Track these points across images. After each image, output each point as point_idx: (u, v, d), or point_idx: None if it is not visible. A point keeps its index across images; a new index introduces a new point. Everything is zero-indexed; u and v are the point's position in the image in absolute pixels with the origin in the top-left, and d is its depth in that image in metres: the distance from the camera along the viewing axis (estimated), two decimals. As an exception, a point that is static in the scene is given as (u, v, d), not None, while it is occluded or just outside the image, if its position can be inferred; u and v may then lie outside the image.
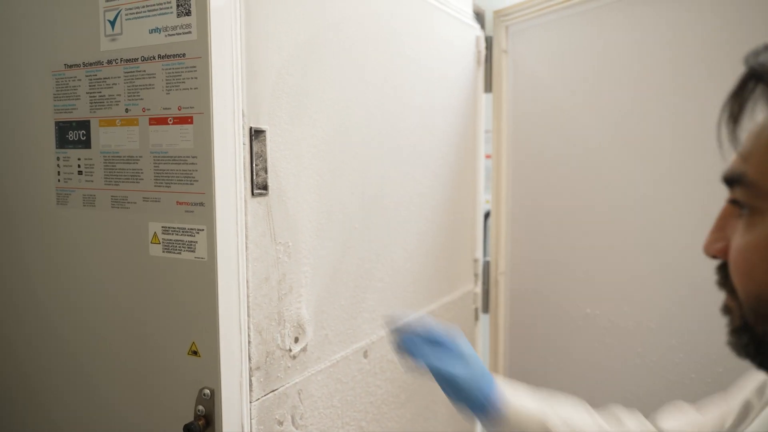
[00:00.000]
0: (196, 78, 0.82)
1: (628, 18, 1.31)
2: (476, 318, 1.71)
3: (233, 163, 0.85)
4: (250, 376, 0.90)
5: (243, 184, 0.87)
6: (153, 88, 0.86)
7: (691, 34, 1.21)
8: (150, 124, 0.87)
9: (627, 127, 1.35)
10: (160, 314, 0.88)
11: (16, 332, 1.03)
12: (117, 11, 0.88)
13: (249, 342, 0.89)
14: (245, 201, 0.87)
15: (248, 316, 0.89)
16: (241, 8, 0.84)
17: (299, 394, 1.01)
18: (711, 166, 0.68)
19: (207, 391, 0.85)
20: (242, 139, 0.86)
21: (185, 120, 0.84)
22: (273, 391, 0.95)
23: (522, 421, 0.80)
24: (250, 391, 0.90)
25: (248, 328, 0.89)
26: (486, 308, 1.74)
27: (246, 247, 0.88)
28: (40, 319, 1.00)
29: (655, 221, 1.32)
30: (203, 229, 0.84)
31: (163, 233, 0.87)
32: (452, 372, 0.82)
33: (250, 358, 0.89)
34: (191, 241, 0.85)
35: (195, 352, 0.86)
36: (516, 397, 0.82)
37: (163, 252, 0.87)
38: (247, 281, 0.88)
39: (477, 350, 1.62)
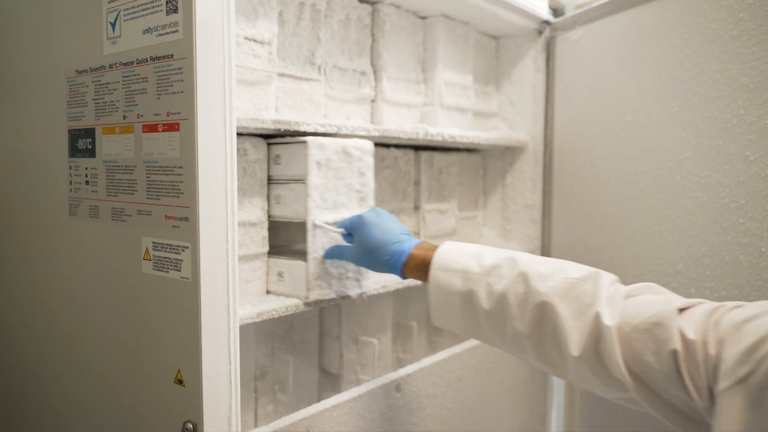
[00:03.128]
0: (182, 81, 0.75)
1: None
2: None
3: (223, 174, 0.77)
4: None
5: (234, 196, 0.78)
6: (146, 93, 0.80)
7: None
8: (143, 132, 0.81)
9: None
10: (149, 338, 0.82)
11: (25, 345, 1.02)
12: (117, 12, 0.83)
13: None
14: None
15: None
16: (231, 4, 0.76)
17: None
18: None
19: (190, 425, 0.77)
20: (233, 148, 0.78)
21: (172, 127, 0.77)
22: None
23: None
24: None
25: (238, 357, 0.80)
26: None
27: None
28: (47, 336, 0.98)
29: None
30: (188, 247, 0.76)
31: (153, 249, 0.80)
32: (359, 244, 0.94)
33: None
34: (177, 259, 0.77)
35: (180, 381, 0.78)
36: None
37: (153, 270, 0.81)
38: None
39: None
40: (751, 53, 0.97)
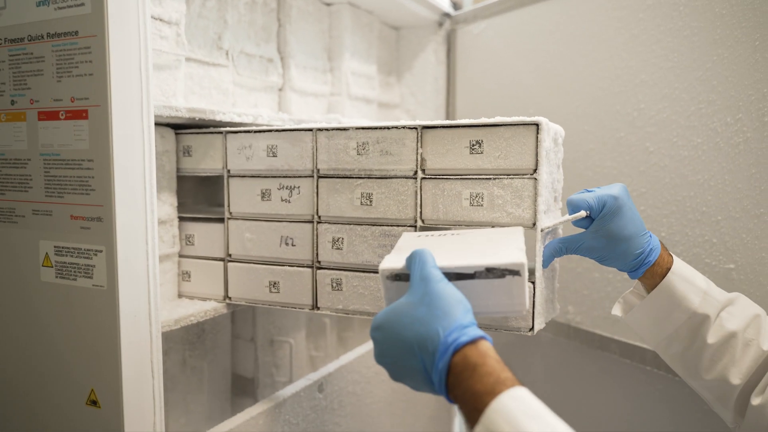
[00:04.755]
0: (90, 62, 0.66)
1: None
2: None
3: (141, 167, 0.69)
4: None
5: (153, 192, 0.70)
6: (42, 74, 0.69)
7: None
8: (39, 120, 0.70)
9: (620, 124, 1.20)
10: (54, 354, 0.72)
11: None
12: (0, -21, 0.71)
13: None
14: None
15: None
16: (146, -25, 0.68)
17: (234, 443, 0.84)
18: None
19: (108, 452, 0.69)
20: (152, 137, 0.70)
21: (79, 114, 0.67)
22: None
23: None
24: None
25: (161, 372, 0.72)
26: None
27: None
28: None
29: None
30: (102, 250, 0.67)
31: (55, 254, 0.70)
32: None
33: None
34: (88, 265, 0.68)
35: (94, 402, 0.69)
36: None
37: (56, 277, 0.70)
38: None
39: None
40: (650, 51, 1.03)
